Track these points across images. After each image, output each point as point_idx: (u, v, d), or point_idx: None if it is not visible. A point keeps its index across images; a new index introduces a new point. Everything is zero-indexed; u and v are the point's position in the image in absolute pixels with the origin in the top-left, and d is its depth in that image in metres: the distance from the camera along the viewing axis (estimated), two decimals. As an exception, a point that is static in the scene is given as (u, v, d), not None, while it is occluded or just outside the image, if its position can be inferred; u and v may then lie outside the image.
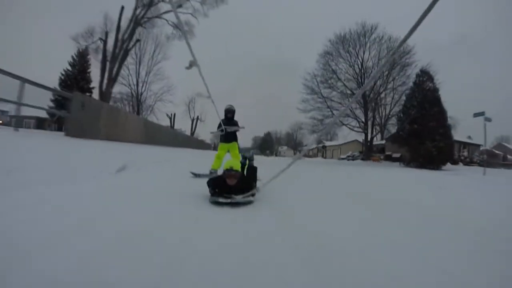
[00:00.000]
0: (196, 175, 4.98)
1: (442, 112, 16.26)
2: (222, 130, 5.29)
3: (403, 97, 20.46)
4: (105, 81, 16.50)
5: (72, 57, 31.76)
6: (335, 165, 16.71)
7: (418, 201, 3.77)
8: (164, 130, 18.35)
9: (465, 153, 27.42)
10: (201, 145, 30.94)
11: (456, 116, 32.87)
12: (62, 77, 31.04)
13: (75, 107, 8.51)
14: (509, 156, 47.20)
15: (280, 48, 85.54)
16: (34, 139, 5.49)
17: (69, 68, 31.69)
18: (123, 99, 30.66)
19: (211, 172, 5.08)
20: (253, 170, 3.69)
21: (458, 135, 28.34)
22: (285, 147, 75.62)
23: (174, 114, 36.67)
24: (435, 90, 16.81)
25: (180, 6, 16.92)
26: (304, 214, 2.71)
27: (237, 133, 5.54)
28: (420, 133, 15.39)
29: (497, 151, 40.26)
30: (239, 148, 5.53)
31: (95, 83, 29.87)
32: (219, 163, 5.24)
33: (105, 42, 17.60)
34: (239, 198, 2.73)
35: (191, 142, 26.09)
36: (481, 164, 28.68)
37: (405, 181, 6.83)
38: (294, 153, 62.34)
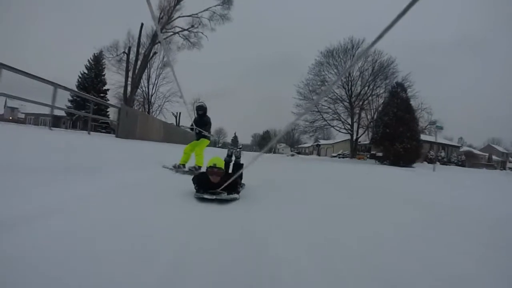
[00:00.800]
0: (165, 167, 5.37)
1: (412, 119, 19.41)
2: (191, 129, 5.53)
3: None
4: (128, 88, 19.60)
5: (88, 61, 34.79)
6: (326, 161, 19.91)
7: (369, 184, 6.67)
8: (176, 130, 21.43)
9: (443, 154, 30.52)
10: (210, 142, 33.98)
11: (442, 119, 36.05)
12: (80, 79, 34.13)
13: (122, 115, 11.60)
14: (495, 158, 50.36)
15: (280, 48, 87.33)
16: (100, 140, 8.35)
17: (86, 71, 34.72)
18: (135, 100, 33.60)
19: (174, 166, 5.34)
20: (238, 168, 3.74)
21: (442, 136, 31.51)
22: (283, 145, 78.68)
23: (180, 113, 39.70)
24: (407, 100, 19.96)
25: (192, 26, 20.00)
26: (299, 191, 4.29)
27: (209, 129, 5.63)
28: (391, 136, 18.54)
29: (478, 152, 43.29)
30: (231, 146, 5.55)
31: (108, 85, 33.17)
32: (186, 158, 5.51)
33: (128, 55, 20.65)
34: (224, 195, 2.80)
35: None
36: (458, 164, 31.87)
37: (373, 174, 9.89)
38: (291, 150, 65.46)
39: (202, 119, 5.44)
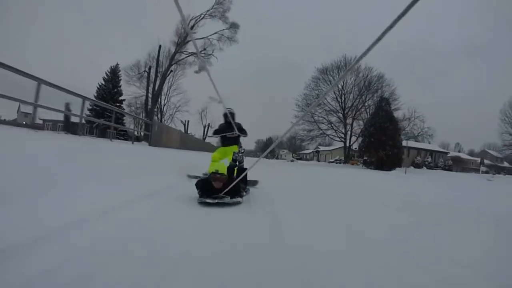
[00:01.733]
0: (192, 177, 5.31)
1: (394, 129, 22.39)
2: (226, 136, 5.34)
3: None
4: (149, 102, 22.86)
5: (106, 73, 38.26)
6: (323, 166, 22.98)
7: (355, 183, 9.77)
8: (190, 138, 24.54)
9: (429, 159, 33.35)
10: (212, 148, 37.14)
11: (440, 125, 39.24)
12: (98, 90, 37.53)
13: (154, 128, 14.70)
14: (487, 162, 52.76)
15: (283, 54, 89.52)
16: (142, 148, 11.44)
17: (103, 82, 38.14)
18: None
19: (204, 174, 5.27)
20: (242, 172, 3.71)
21: (439, 142, 34.50)
22: (285, 151, 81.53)
23: (188, 121, 42.93)
24: (391, 112, 22.98)
25: (204, 49, 23.29)
26: (303, 190, 6.99)
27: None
28: (376, 144, 21.51)
29: (467, 157, 45.85)
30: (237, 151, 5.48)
31: (124, 96, 36.63)
32: (214, 166, 5.61)
33: (148, 74, 23.97)
34: (227, 199, 2.85)
35: (205, 146, 32.31)
36: (444, 168, 34.61)
37: (353, 175, 12.84)
38: (292, 156, 68.44)
39: (230, 126, 5.29)
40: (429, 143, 41.93)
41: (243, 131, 5.28)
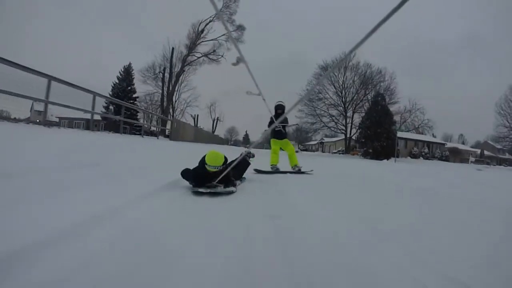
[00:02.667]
0: (259, 172, 5.08)
1: (389, 122, 24.32)
2: (274, 128, 5.28)
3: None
4: (165, 100, 25.16)
5: (120, 72, 40.68)
6: (326, 156, 25.07)
7: (349, 171, 11.98)
8: (202, 132, 26.89)
9: (426, 150, 35.12)
10: (221, 141, 39.53)
11: (435, 119, 40.93)
12: (113, 89, 40.05)
13: (173, 124, 17.00)
14: (488, 153, 54.07)
15: (291, 47, 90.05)
16: (165, 142, 13.72)
17: (117, 81, 40.60)
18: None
19: (272, 168, 5.32)
20: (245, 164, 3.75)
21: (438, 134, 36.46)
22: (293, 142, 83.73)
23: (197, 115, 45.33)
24: (386, 106, 24.89)
25: (214, 51, 25.47)
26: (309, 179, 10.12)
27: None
28: (371, 136, 23.53)
29: (465, 148, 47.43)
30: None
31: (138, 93, 39.12)
32: (277, 158, 5.52)
33: (163, 75, 26.22)
34: (220, 189, 2.77)
35: (215, 139, 34.69)
36: (441, 159, 36.33)
37: (351, 164, 14.98)
38: (298, 147, 70.74)
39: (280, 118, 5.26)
40: (433, 135, 43.72)
41: (285, 122, 5.52)
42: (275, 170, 5.32)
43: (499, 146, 61.11)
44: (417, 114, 41.41)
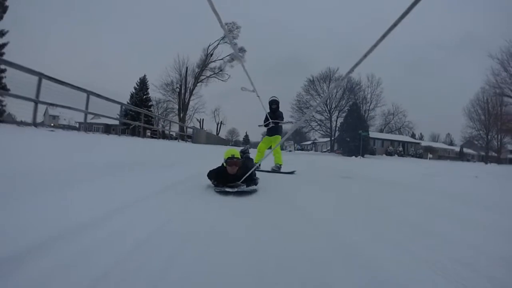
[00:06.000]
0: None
1: (362, 126, 30.33)
2: (266, 125, 5.47)
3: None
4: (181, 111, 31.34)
5: (136, 83, 46.78)
6: (317, 155, 31.06)
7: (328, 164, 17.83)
8: (211, 135, 32.93)
9: (400, 148, 41.10)
10: (225, 142, 45.70)
11: (415, 120, 46.97)
12: (131, 97, 46.12)
13: (194, 131, 22.98)
14: (469, 151, 59.55)
15: (290, 48, 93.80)
16: (189, 145, 19.54)
17: (134, 90, 46.63)
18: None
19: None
20: (249, 160, 3.89)
21: (426, 133, 42.41)
22: (291, 142, 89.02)
23: (203, 119, 51.51)
24: (361, 114, 30.93)
25: (221, 70, 31.66)
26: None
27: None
28: (346, 138, 29.54)
29: (439, 146, 53.29)
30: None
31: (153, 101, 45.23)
32: (260, 156, 5.52)
33: (180, 89, 32.34)
34: (243, 187, 2.84)
35: (222, 141, 40.84)
36: (415, 156, 42.22)
37: (329, 160, 20.85)
38: (294, 146, 76.75)
39: (275, 114, 5.40)
40: (413, 135, 49.60)
41: (280, 119, 5.43)
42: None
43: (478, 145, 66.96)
44: (400, 116, 47.56)
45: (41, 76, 6.72)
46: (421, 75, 76.25)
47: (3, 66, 15.88)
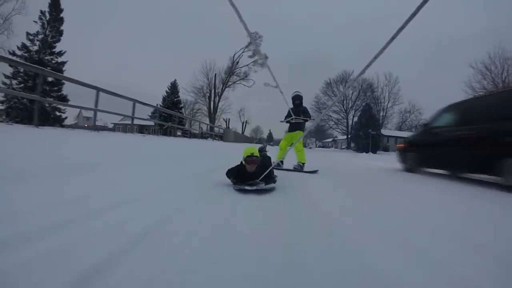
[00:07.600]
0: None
1: (375, 125, 32.97)
2: (288, 121, 5.36)
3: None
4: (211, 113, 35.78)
5: (168, 87, 51.86)
6: (335, 151, 34.19)
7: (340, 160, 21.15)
8: (238, 134, 36.98)
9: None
10: (250, 140, 49.74)
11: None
12: (163, 101, 51.21)
13: (225, 131, 26.94)
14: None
15: (315, 46, 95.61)
16: (222, 143, 23.28)
17: (165, 94, 51.74)
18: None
19: (278, 164, 4.97)
20: (266, 159, 3.87)
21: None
22: (313, 139, 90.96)
23: (229, 119, 55.77)
24: (373, 114, 33.61)
25: (246, 76, 35.67)
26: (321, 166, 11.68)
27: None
28: (361, 135, 32.34)
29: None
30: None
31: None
32: (282, 154, 5.34)
33: (210, 94, 36.86)
34: (262, 185, 2.82)
35: (246, 139, 44.90)
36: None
37: (343, 156, 24.04)
38: (316, 144, 79.16)
39: (298, 109, 5.28)
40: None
41: (306, 115, 5.29)
42: (277, 166, 4.76)
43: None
44: (416, 114, 49.05)
45: (97, 89, 7.89)
46: (439, 69, 75.58)
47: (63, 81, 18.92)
